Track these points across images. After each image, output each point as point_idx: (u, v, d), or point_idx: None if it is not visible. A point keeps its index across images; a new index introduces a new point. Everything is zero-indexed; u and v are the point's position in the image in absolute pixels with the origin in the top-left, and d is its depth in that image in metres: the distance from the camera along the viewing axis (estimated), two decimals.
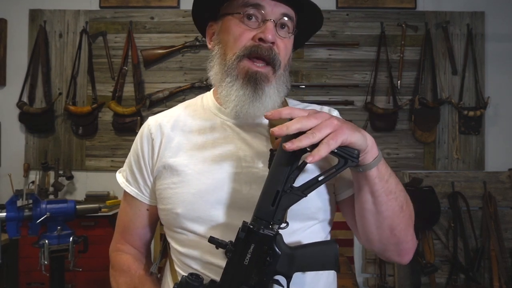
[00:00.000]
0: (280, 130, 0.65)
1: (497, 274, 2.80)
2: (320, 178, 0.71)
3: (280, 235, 0.73)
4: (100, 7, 3.06)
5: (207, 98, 0.95)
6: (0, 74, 3.01)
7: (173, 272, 0.89)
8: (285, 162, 0.70)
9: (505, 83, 3.04)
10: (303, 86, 3.02)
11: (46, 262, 1.55)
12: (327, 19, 3.04)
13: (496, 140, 3.04)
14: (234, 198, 0.82)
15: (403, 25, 3.01)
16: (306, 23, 0.91)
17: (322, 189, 0.85)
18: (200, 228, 0.83)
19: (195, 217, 0.83)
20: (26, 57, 3.03)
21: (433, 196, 2.84)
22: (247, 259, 0.71)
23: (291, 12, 0.85)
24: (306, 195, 0.72)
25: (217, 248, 0.73)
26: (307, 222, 0.84)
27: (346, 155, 0.70)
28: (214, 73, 0.89)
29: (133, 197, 0.95)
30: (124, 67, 3.00)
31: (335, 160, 0.73)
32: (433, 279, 2.85)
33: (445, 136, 3.04)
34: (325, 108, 0.96)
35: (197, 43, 2.99)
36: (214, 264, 0.81)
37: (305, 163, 0.72)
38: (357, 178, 0.77)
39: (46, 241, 1.55)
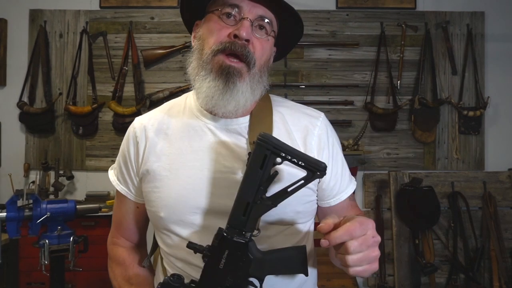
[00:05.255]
0: (329, 236, 0.72)
1: (497, 274, 2.80)
2: (289, 189, 0.75)
3: (253, 241, 0.78)
4: (100, 7, 3.06)
5: (190, 99, 0.97)
6: (0, 74, 3.01)
7: (163, 266, 0.95)
8: (255, 174, 0.73)
9: (505, 83, 3.04)
10: (303, 86, 3.02)
11: (46, 262, 1.55)
12: (327, 19, 3.04)
13: (496, 140, 3.04)
14: (213, 203, 0.85)
15: (403, 25, 3.01)
16: (288, 29, 0.93)
17: (301, 195, 0.85)
18: (182, 231, 0.86)
19: (177, 220, 0.86)
20: (26, 57, 3.03)
21: (433, 196, 2.84)
22: (222, 263, 0.76)
23: (269, 14, 0.87)
24: (276, 205, 0.75)
25: (195, 252, 0.77)
26: (285, 225, 0.88)
27: (314, 168, 0.73)
28: (191, 67, 0.91)
29: (123, 195, 0.99)
30: (124, 67, 3.00)
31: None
32: (433, 279, 2.85)
33: (445, 136, 3.04)
34: (308, 111, 0.97)
35: None
36: (195, 264, 0.85)
37: (275, 174, 0.75)
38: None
39: (46, 241, 1.55)
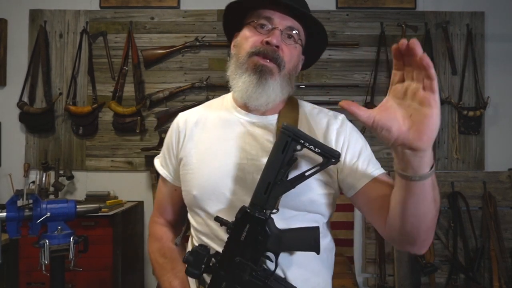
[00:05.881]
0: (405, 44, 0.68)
1: (497, 274, 2.80)
2: (306, 174, 0.86)
3: (272, 218, 0.88)
4: (100, 7, 3.06)
5: (227, 98, 1.12)
6: (0, 74, 3.02)
7: (193, 244, 1.06)
8: (277, 157, 0.85)
9: (505, 83, 3.04)
10: (303, 86, 3.02)
11: (46, 262, 1.54)
12: (327, 19, 3.04)
13: (496, 140, 3.04)
14: (238, 185, 0.97)
15: (403, 25, 3.01)
16: (314, 40, 1.07)
17: (315, 185, 0.97)
18: (210, 208, 0.99)
19: (206, 199, 0.99)
20: (26, 57, 3.03)
21: None
22: (243, 236, 0.87)
23: (297, 25, 1.02)
24: (294, 187, 0.87)
25: (221, 225, 0.89)
26: (300, 212, 0.97)
27: (328, 155, 0.84)
28: (230, 70, 1.05)
29: (165, 178, 1.14)
30: (124, 67, 3.00)
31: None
32: (433, 279, 2.85)
33: (445, 136, 3.04)
34: (330, 113, 1.09)
35: (197, 43, 2.99)
36: (220, 238, 0.96)
37: (294, 160, 0.87)
38: (410, 187, 0.78)
39: (46, 241, 1.55)
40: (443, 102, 2.98)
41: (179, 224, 1.19)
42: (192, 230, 1.08)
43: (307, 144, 0.84)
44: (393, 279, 2.90)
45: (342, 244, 2.88)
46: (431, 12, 3.04)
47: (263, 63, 0.97)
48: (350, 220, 2.89)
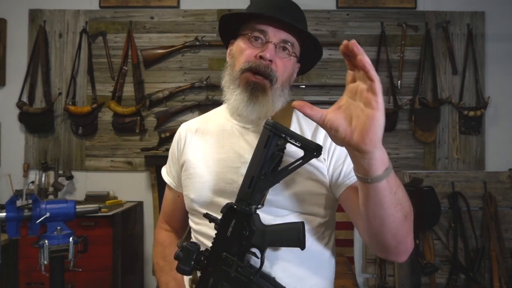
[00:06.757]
0: (354, 46, 0.71)
1: (497, 274, 2.80)
2: (289, 167, 0.86)
3: (257, 214, 0.89)
4: (100, 7, 3.06)
5: (224, 107, 1.14)
6: (0, 74, 3.01)
7: None
8: (260, 152, 0.86)
9: (505, 83, 3.04)
10: (303, 86, 3.02)
11: (46, 262, 1.54)
12: (327, 19, 3.04)
13: (496, 140, 3.03)
14: (231, 187, 0.99)
15: (403, 25, 3.01)
16: (310, 50, 1.09)
17: (308, 185, 0.97)
18: (206, 209, 1.00)
19: (202, 201, 1.03)
20: (26, 57, 3.03)
21: (433, 196, 2.84)
22: (229, 232, 0.88)
23: (291, 38, 1.02)
24: (278, 181, 0.87)
25: (209, 222, 0.91)
26: (293, 212, 0.98)
27: (310, 148, 0.84)
28: (224, 81, 1.07)
29: (169, 185, 1.19)
30: (124, 67, 2.99)
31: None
32: (433, 279, 2.85)
33: (445, 136, 3.04)
34: None
35: (197, 43, 2.98)
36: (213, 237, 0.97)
37: (277, 155, 0.87)
38: (365, 189, 0.77)
39: (46, 241, 1.55)
40: (443, 102, 2.98)
41: (183, 229, 1.22)
42: (192, 232, 1.11)
43: (288, 138, 0.84)
44: (393, 279, 2.90)
45: (342, 244, 2.88)
46: (431, 11, 3.04)
47: (254, 80, 0.98)
48: (350, 221, 2.88)
